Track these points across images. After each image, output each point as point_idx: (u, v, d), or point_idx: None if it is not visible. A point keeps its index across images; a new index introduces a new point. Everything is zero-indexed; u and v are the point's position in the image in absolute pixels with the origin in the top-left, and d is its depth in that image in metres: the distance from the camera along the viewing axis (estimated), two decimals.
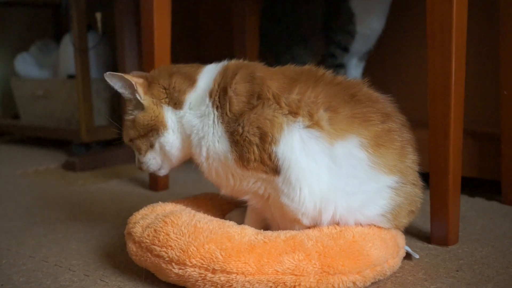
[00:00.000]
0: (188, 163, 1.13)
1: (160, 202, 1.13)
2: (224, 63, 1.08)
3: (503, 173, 1.43)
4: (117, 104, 2.47)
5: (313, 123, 0.96)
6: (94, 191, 1.76)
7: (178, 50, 1.74)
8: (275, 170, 0.97)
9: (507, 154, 1.42)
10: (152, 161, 1.11)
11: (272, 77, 1.01)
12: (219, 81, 1.04)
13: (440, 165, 1.13)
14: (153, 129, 1.07)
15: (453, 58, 1.09)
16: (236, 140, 0.98)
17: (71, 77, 2.46)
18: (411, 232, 1.21)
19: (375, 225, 1.01)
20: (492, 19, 1.50)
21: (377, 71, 1.89)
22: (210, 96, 1.04)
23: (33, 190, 1.80)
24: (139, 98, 1.08)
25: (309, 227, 1.01)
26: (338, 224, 1.00)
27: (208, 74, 1.07)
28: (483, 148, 1.49)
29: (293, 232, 0.97)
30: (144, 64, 1.64)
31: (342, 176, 0.97)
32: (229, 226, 0.97)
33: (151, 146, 1.09)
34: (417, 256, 1.08)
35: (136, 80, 1.08)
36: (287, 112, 0.97)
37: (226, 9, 2.15)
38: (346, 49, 1.78)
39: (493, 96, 1.52)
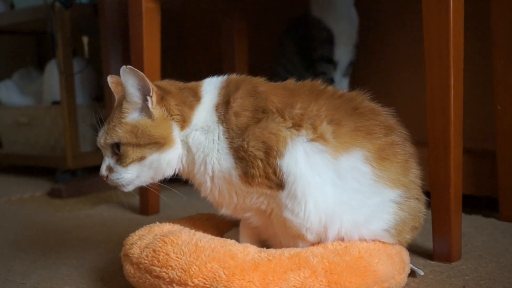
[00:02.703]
0: (180, 185, 1.09)
1: (157, 222, 1.10)
2: (225, 77, 1.06)
3: (499, 190, 1.42)
4: None
5: (317, 136, 0.94)
6: (83, 217, 1.71)
7: (168, 70, 1.72)
8: (280, 184, 0.95)
9: (503, 170, 1.41)
10: (129, 174, 1.01)
11: (275, 92, 1.00)
12: (224, 95, 1.01)
13: (441, 180, 1.11)
14: (157, 143, 0.99)
15: (452, 72, 1.09)
16: (241, 156, 0.96)
17: (55, 103, 2.43)
18: (412, 249, 1.19)
19: (379, 241, 0.99)
20: (484, 34, 1.50)
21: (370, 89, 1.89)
22: (217, 110, 1.00)
23: (19, 217, 1.75)
24: (150, 106, 1.00)
25: (312, 244, 0.98)
26: (342, 239, 0.97)
27: (211, 88, 1.03)
28: (478, 165, 1.49)
29: (297, 250, 0.94)
30: None
31: (346, 190, 0.95)
32: (232, 244, 0.94)
33: (142, 158, 1.00)
34: (421, 273, 1.05)
35: (153, 86, 1.01)
36: (291, 125, 0.95)
37: (214, 29, 2.15)
38: (330, 60, 1.77)
39: (488, 112, 1.51)
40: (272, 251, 0.94)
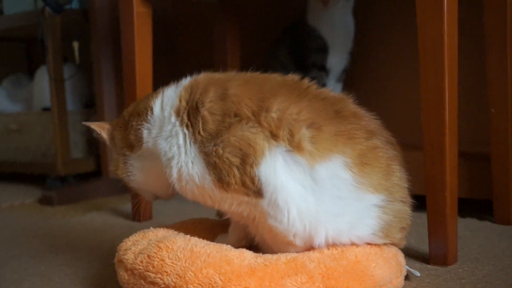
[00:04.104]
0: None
1: (151, 227, 1.09)
2: (190, 78, 1.03)
3: (494, 193, 1.42)
4: (94, 137, 2.41)
5: (294, 146, 0.91)
6: (75, 223, 1.69)
7: (160, 74, 1.71)
8: (258, 192, 0.93)
9: (498, 173, 1.41)
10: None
11: (249, 93, 0.95)
12: (187, 97, 0.99)
13: (437, 183, 1.11)
14: None
15: (446, 75, 1.08)
16: (214, 161, 0.93)
17: (46, 109, 2.41)
18: (408, 253, 1.18)
19: (375, 244, 0.98)
20: (478, 37, 1.50)
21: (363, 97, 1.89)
22: (177, 114, 0.98)
23: (9, 224, 1.73)
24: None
25: (304, 249, 0.96)
26: (330, 243, 0.95)
27: (169, 93, 1.02)
28: (472, 168, 1.49)
29: (294, 255, 0.93)
30: (125, 90, 1.61)
31: (326, 197, 0.92)
32: (227, 250, 0.93)
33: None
34: (418, 274, 1.04)
35: (101, 131, 1.14)
36: (268, 133, 0.92)
37: (206, 32, 2.14)
38: (323, 68, 1.77)
39: (481, 115, 1.52)
40: (268, 256, 0.92)
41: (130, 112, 1.08)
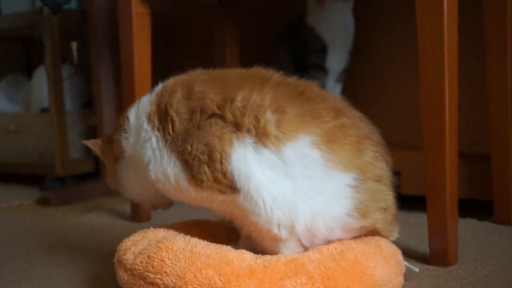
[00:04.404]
0: None
1: (151, 227, 1.08)
2: (160, 85, 1.05)
3: (494, 193, 1.42)
4: (92, 137, 2.41)
5: (261, 132, 0.92)
6: (73, 224, 1.69)
7: (159, 75, 1.71)
8: (232, 187, 0.94)
9: (498, 173, 1.41)
10: None
11: (213, 89, 0.97)
12: (157, 102, 1.01)
13: (437, 183, 1.10)
14: None
15: (446, 75, 1.08)
16: (185, 160, 0.95)
17: (44, 110, 2.40)
18: (408, 253, 1.18)
19: (375, 244, 0.98)
20: (477, 37, 1.50)
21: (360, 99, 1.89)
22: (149, 120, 1.01)
23: (7, 225, 1.73)
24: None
25: (294, 247, 0.97)
26: (311, 233, 0.95)
27: (144, 101, 1.05)
28: (472, 169, 1.48)
29: (293, 255, 0.93)
30: (124, 91, 1.61)
31: (299, 178, 0.93)
32: (227, 251, 0.93)
33: None
34: (416, 270, 1.05)
35: (95, 148, 1.16)
36: (233, 125, 0.93)
37: (205, 32, 2.14)
38: (322, 68, 1.76)
39: (481, 115, 1.51)
40: (268, 257, 0.92)
41: (115, 126, 1.13)
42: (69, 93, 2.40)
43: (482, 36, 1.42)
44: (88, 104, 2.51)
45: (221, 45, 1.93)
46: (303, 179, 0.93)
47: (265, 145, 0.92)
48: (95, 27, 2.16)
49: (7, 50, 3.10)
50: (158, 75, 1.72)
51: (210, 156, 0.93)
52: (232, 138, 0.93)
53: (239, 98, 0.94)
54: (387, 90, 1.88)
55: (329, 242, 0.98)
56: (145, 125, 1.01)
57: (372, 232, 1.00)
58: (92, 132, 2.40)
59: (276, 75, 1.00)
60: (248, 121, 0.93)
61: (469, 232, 1.35)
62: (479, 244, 1.25)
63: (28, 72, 2.93)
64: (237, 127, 0.93)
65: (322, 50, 1.75)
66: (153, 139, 1.00)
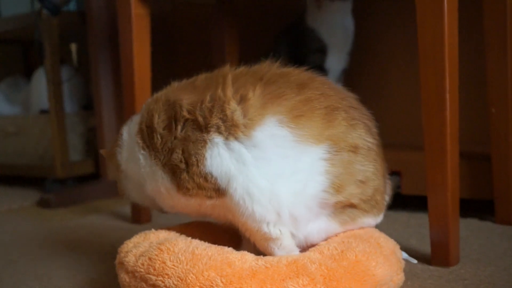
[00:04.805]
0: None
1: (152, 229, 1.08)
2: (147, 101, 1.08)
3: (495, 193, 1.42)
4: (92, 139, 2.41)
5: (230, 125, 0.92)
6: (74, 226, 1.68)
7: (158, 76, 1.71)
8: (217, 190, 0.94)
9: (498, 173, 1.40)
10: None
11: (184, 95, 0.99)
12: (139, 121, 1.04)
13: (438, 184, 1.10)
14: None
15: (447, 75, 1.08)
16: (169, 170, 0.98)
17: (44, 112, 2.40)
18: (410, 253, 1.17)
19: (375, 242, 0.97)
20: (478, 37, 1.50)
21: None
22: (136, 140, 1.03)
23: (8, 227, 1.72)
24: None
25: (287, 247, 0.96)
26: (293, 216, 0.94)
27: (134, 118, 1.07)
28: (473, 168, 1.48)
29: (295, 256, 0.92)
30: (124, 92, 1.60)
31: (273, 161, 0.92)
32: (229, 252, 0.92)
33: None
34: (415, 261, 1.05)
35: (107, 157, 1.16)
36: (204, 127, 0.94)
37: (205, 34, 2.14)
38: (321, 68, 1.76)
39: (482, 115, 1.51)
40: (269, 258, 0.92)
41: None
42: (69, 95, 2.39)
43: (482, 36, 1.42)
44: (87, 106, 2.51)
45: (220, 46, 1.93)
46: (278, 159, 0.92)
47: (236, 138, 0.92)
48: (94, 28, 2.16)
49: (6, 52, 3.10)
50: (158, 76, 1.72)
51: (187, 162, 0.95)
52: (206, 139, 0.94)
53: (208, 98, 0.95)
54: (388, 89, 1.88)
55: (308, 224, 0.97)
56: (135, 144, 1.04)
57: (350, 206, 0.98)
58: (91, 134, 2.40)
59: (233, 69, 1.02)
60: (216, 118, 0.93)
61: (470, 232, 1.34)
62: (481, 244, 1.25)
63: (27, 74, 2.93)
64: (208, 127, 0.94)
65: (322, 50, 1.75)
66: (141, 158, 1.02)
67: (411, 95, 1.80)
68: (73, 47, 2.15)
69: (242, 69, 1.02)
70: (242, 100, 0.94)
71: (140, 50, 1.57)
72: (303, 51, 1.77)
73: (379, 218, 1.05)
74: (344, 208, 0.98)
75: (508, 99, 1.38)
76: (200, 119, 0.94)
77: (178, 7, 2.35)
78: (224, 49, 1.92)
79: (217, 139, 0.93)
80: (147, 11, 1.58)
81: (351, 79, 1.86)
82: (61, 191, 2.17)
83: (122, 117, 1.86)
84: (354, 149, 0.96)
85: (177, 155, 0.96)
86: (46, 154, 2.40)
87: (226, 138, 0.93)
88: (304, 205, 0.94)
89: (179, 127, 0.96)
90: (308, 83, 0.98)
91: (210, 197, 0.96)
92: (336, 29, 1.75)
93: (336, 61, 1.78)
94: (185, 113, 0.96)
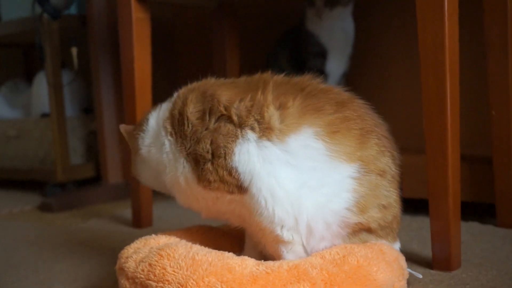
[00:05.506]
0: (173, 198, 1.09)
1: (153, 234, 1.08)
2: (176, 92, 1.08)
3: (496, 196, 1.41)
4: (93, 142, 2.41)
5: (265, 127, 0.93)
6: (74, 231, 1.68)
7: (159, 79, 1.71)
8: (239, 187, 0.94)
9: (500, 176, 1.40)
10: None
11: (222, 91, 0.99)
12: (171, 108, 1.04)
13: (440, 188, 1.10)
14: None
15: (448, 78, 1.08)
16: (193, 159, 0.98)
17: (45, 116, 2.40)
18: (411, 258, 1.17)
19: (377, 248, 0.97)
20: (478, 39, 1.50)
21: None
22: (164, 126, 1.04)
23: (9, 232, 1.72)
24: None
25: (297, 253, 0.96)
26: (309, 227, 0.94)
27: (163, 107, 1.08)
28: (474, 172, 1.48)
29: (295, 261, 0.92)
30: (124, 96, 1.60)
31: (303, 170, 0.93)
32: (229, 258, 0.92)
33: None
34: (420, 276, 1.04)
35: (127, 138, 1.16)
36: (238, 124, 0.95)
37: (205, 37, 2.13)
38: (322, 72, 1.76)
39: (483, 118, 1.51)
40: (270, 263, 0.91)
41: (137, 122, 1.15)
42: (69, 99, 2.39)
43: (482, 38, 1.41)
44: (88, 109, 2.51)
45: (221, 50, 1.93)
46: (307, 170, 0.93)
47: (269, 139, 0.93)
48: (95, 32, 2.16)
49: (7, 56, 3.10)
50: (158, 80, 1.72)
51: (214, 153, 0.95)
52: (237, 134, 0.94)
53: (248, 98, 0.96)
54: (389, 93, 1.88)
55: (321, 242, 0.97)
56: (162, 129, 1.04)
57: (366, 230, 0.99)
58: (92, 137, 2.40)
59: (277, 76, 1.03)
60: (253, 119, 0.94)
61: (472, 236, 1.34)
62: (483, 248, 1.25)
63: (28, 78, 2.93)
64: (242, 124, 0.95)
65: (322, 55, 1.75)
66: (167, 143, 1.02)
67: (412, 97, 1.79)
68: (74, 50, 2.14)
69: (283, 77, 1.03)
70: (281, 107, 0.95)
71: (141, 53, 1.57)
72: (303, 55, 1.77)
73: (394, 246, 1.04)
74: (359, 231, 0.99)
75: (509, 102, 1.38)
76: (235, 117, 0.95)
77: (179, 10, 2.35)
78: (225, 52, 1.92)
79: (251, 135, 0.94)
80: (148, 15, 1.58)
81: (351, 81, 1.85)
82: (62, 195, 2.17)
83: (122, 120, 1.85)
84: (382, 173, 0.98)
85: (205, 145, 0.96)
86: (47, 157, 2.40)
87: (259, 137, 0.94)
88: (323, 220, 0.95)
89: (213, 120, 0.97)
90: (347, 103, 0.99)
91: (232, 192, 0.96)
92: (336, 34, 1.75)
93: (336, 65, 1.77)
94: (222, 108, 0.96)
